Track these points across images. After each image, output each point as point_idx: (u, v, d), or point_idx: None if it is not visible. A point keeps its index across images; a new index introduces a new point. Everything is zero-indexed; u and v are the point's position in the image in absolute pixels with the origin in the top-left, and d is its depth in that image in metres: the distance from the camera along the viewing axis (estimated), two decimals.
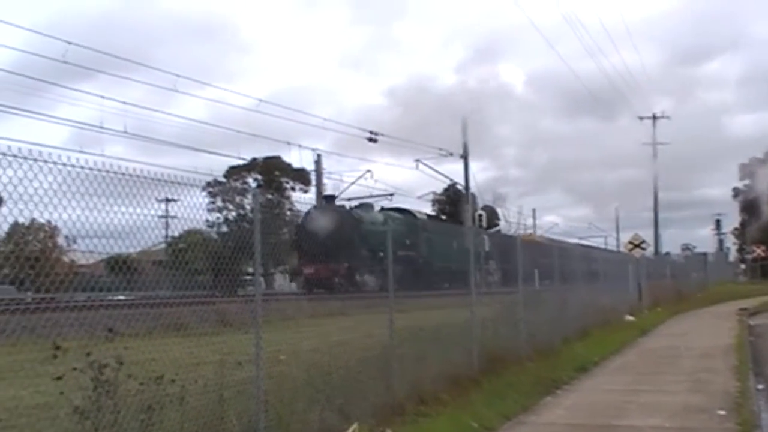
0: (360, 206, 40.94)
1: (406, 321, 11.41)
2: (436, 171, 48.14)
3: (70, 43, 26.63)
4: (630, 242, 36.51)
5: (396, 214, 41.22)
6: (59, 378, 5.96)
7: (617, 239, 65.30)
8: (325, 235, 28.39)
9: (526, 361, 14.23)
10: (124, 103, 30.22)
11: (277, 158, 61.55)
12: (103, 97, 29.40)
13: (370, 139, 42.43)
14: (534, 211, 73.59)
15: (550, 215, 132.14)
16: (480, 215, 48.91)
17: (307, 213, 33.91)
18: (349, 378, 9.39)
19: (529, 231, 63.51)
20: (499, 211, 71.22)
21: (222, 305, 10.39)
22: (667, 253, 70.41)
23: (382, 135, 42.80)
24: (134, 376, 6.50)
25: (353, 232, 34.69)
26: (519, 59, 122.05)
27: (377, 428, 8.94)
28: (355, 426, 8.25)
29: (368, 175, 46.97)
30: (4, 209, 5.81)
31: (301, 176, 62.22)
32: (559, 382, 13.12)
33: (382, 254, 33.31)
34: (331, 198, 40.80)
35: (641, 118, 61.81)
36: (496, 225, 61.50)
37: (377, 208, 43.10)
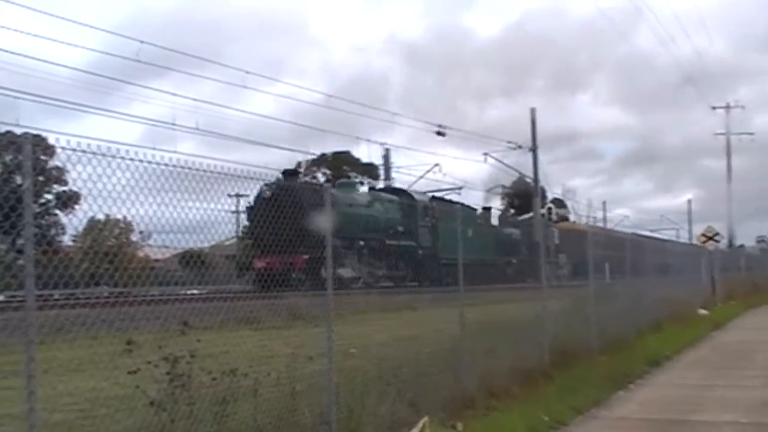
0: (341, 184, 36.34)
1: (476, 315, 11.38)
2: (504, 164, 47.73)
3: (142, 42, 27.13)
4: (703, 234, 35.74)
5: (389, 196, 36.83)
6: (134, 372, 6.08)
7: (690, 232, 63.93)
8: (282, 221, 21.90)
9: (598, 354, 14.05)
10: (195, 99, 30.66)
11: (346, 153, 61.97)
12: (174, 94, 29.90)
13: (439, 133, 42.35)
14: (604, 203, 72.45)
15: (621, 208, 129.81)
16: (549, 208, 48.41)
17: (260, 193, 23.45)
18: (420, 372, 9.39)
19: (571, 219, 62.15)
20: (568, 203, 70.45)
21: (292, 299, 10.52)
22: (742, 246, 68.75)
23: (451, 128, 42.68)
24: (207, 369, 6.60)
25: (321, 216, 27.23)
26: (589, 51, 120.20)
27: (448, 422, 8.91)
28: (425, 419, 8.23)
29: (436, 168, 46.80)
30: (84, 205, 5.95)
31: (369, 171, 62.49)
32: (632, 377, 12.91)
33: (362, 243, 30.77)
34: (293, 173, 31.63)
35: (714, 108, 60.26)
36: (566, 218, 60.77)
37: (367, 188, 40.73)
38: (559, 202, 68.53)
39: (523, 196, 63.20)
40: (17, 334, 5.43)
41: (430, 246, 34.93)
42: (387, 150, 47.64)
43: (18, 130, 18.28)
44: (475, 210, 43.33)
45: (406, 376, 9.07)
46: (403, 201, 36.14)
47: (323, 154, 61.32)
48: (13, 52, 24.40)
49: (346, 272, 27.20)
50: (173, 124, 28.87)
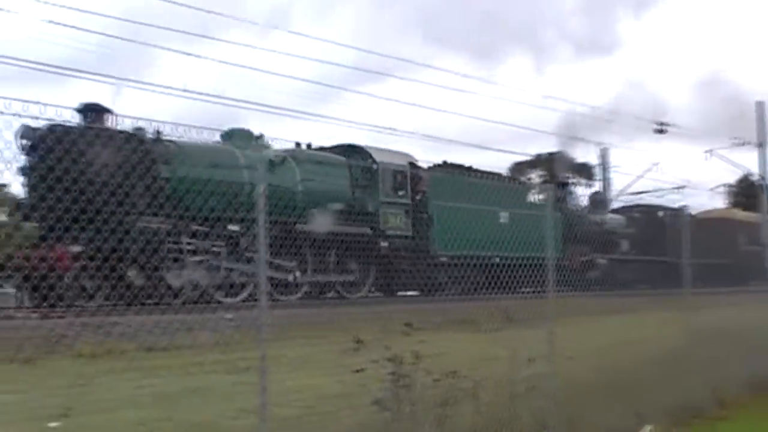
0: (226, 134, 19.14)
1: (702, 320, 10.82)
2: (730, 162, 45.19)
3: (358, 49, 27.70)
4: None
5: (323, 155, 20.93)
6: (359, 371, 6.20)
7: None
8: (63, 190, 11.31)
9: None
10: (412, 104, 30.87)
11: (560, 153, 60.94)
12: (394, 100, 30.39)
13: (660, 131, 40.69)
14: None
15: None
16: None
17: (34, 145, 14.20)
18: (642, 377, 9.04)
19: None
20: None
21: (505, 301, 10.39)
22: None
23: (672, 126, 40.95)
24: (428, 370, 6.63)
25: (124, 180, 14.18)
26: None
27: (672, 430, 8.53)
28: (650, 428, 7.91)
29: (656, 167, 44.86)
30: None
31: (584, 171, 61.22)
32: None
33: (237, 228, 16.20)
34: (98, 110, 15.90)
35: None
36: None
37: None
38: None
39: (750, 195, 59.24)
40: (251, 332, 5.67)
41: (409, 236, 21.36)
42: (604, 149, 46.26)
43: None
44: (523, 184, 28.25)
45: (627, 382, 8.76)
46: (351, 164, 20.89)
47: (539, 155, 60.61)
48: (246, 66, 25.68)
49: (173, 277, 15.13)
50: (393, 129, 29.12)
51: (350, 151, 21.58)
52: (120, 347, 8.98)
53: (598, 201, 33.36)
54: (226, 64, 28.50)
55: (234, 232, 16.54)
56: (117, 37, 28.13)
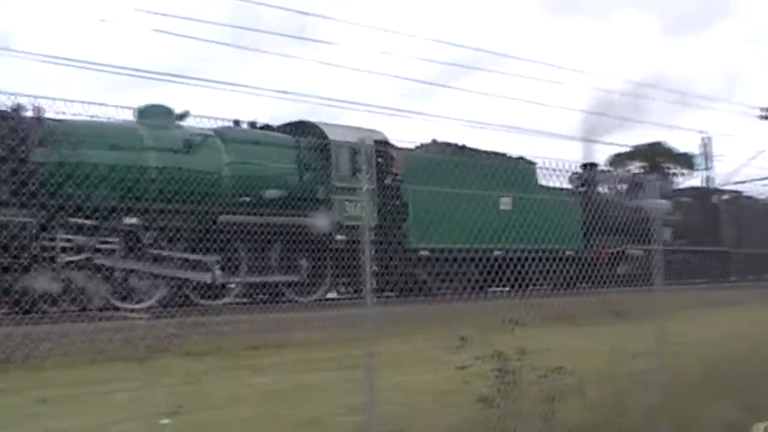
0: (142, 111, 15.58)
1: None
2: None
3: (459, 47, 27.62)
4: None
5: (260, 134, 17.28)
6: (463, 367, 6.17)
7: None
8: None
9: None
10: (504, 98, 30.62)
11: (659, 144, 59.54)
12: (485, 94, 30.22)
13: (765, 117, 39.33)
14: None
15: None
16: None
17: None
18: (755, 372, 8.74)
19: None
20: None
21: (611, 296, 10.21)
22: None
23: None
24: (532, 366, 6.55)
25: None
26: None
27: None
28: (765, 425, 7.63)
29: (762, 155, 43.20)
30: None
31: (685, 160, 59.71)
32: None
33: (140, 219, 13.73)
34: None
35: None
36: None
37: None
38: None
39: None
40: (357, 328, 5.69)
41: (376, 225, 16.24)
42: (706, 138, 44.98)
43: None
44: (531, 164, 19.18)
45: (740, 377, 8.49)
46: (299, 144, 17.24)
47: (637, 146, 59.31)
48: None
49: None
50: (486, 123, 28.79)
51: (300, 129, 17.77)
52: (227, 345, 9.20)
53: (637, 184, 25.85)
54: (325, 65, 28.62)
55: (133, 226, 13.69)
56: (220, 43, 28.79)
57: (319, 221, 15.89)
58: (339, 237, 16.48)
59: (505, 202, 18.37)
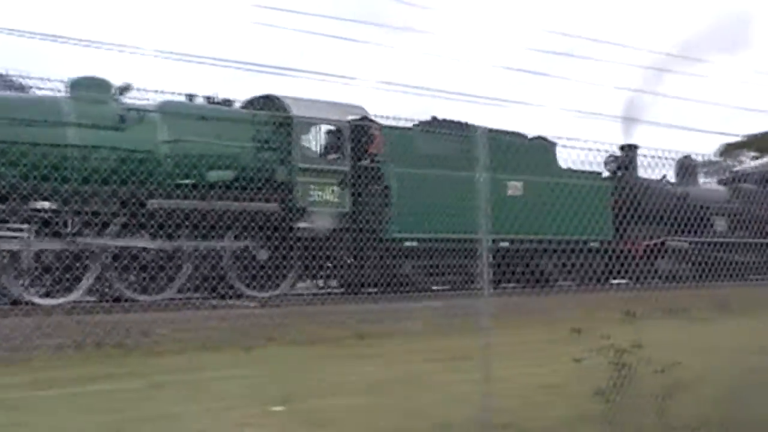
0: (74, 83, 13.77)
1: None
2: None
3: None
4: None
5: (214, 109, 15.37)
6: (579, 360, 6.05)
7: None
8: None
9: None
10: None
11: None
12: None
13: None
14: None
15: None
16: None
17: None
18: None
19: None
20: None
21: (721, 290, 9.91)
22: None
23: None
24: (648, 359, 6.39)
25: None
26: None
27: None
28: None
29: None
30: None
31: None
32: None
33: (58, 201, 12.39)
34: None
35: None
36: None
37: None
38: None
39: None
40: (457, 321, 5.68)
41: (346, 213, 15.45)
42: None
43: None
44: (547, 143, 17.49)
45: None
46: (257, 120, 15.42)
47: (750, 135, 57.12)
48: None
49: None
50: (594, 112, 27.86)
51: (264, 104, 15.88)
52: (334, 335, 9.27)
53: (687, 168, 22.58)
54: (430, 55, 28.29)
55: (45, 210, 12.38)
56: (322, 35, 28.91)
57: (273, 206, 14.47)
58: (301, 224, 14.83)
59: (515, 187, 16.70)
